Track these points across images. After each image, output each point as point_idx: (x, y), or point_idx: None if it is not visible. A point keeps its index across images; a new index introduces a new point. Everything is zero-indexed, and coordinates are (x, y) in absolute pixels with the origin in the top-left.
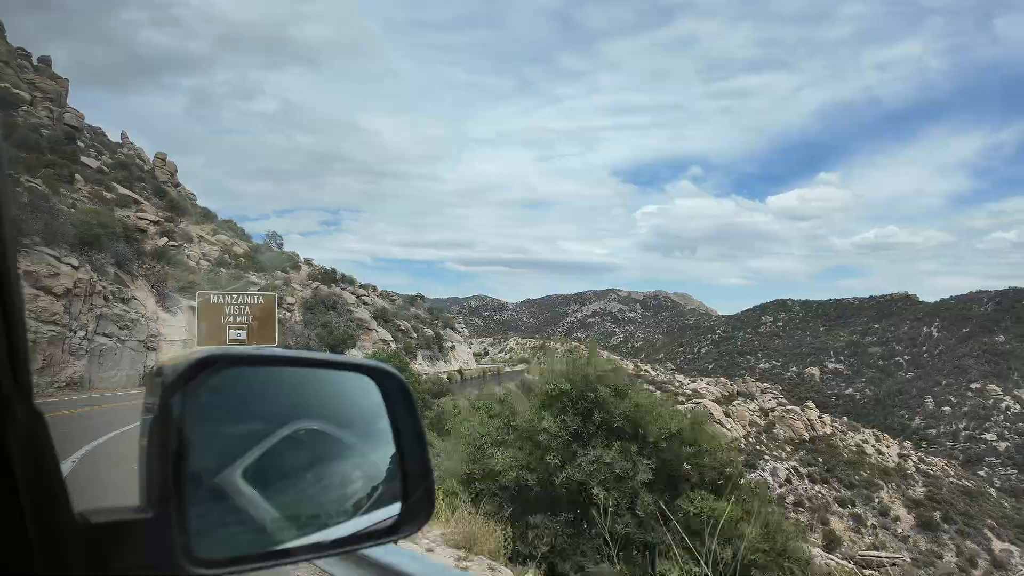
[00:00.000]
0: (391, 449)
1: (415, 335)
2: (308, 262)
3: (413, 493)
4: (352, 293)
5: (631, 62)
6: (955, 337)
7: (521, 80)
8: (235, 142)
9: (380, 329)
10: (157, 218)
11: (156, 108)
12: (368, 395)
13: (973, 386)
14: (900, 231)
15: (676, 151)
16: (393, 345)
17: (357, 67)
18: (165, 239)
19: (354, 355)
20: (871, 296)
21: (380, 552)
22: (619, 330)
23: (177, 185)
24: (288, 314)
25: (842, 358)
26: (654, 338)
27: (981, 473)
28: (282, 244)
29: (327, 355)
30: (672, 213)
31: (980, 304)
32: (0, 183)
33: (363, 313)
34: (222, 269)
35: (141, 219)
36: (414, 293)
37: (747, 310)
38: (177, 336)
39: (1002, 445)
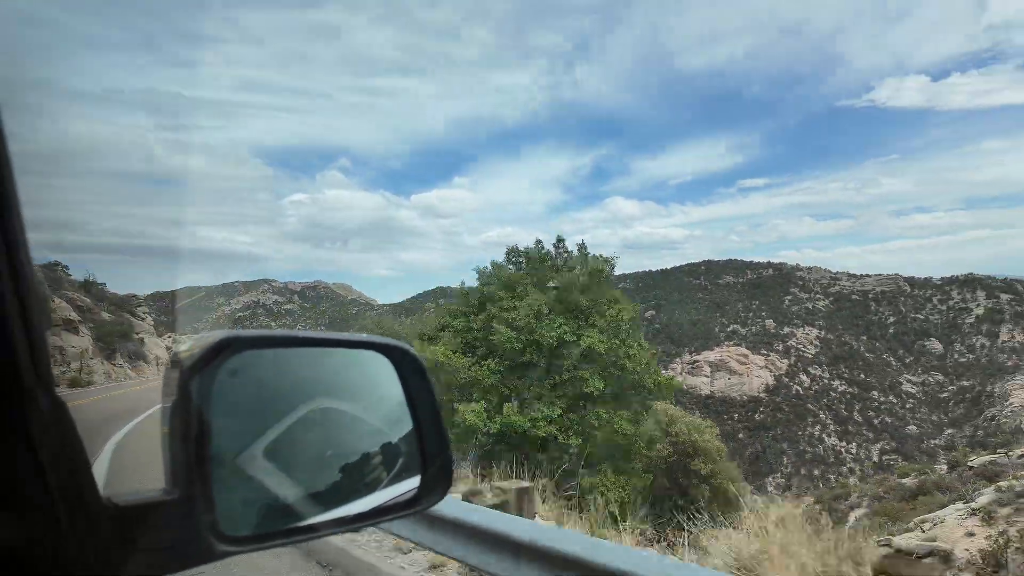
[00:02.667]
0: (408, 424)
1: (104, 319)
2: None
3: (431, 466)
4: None
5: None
6: None
7: (138, 32)
8: None
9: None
10: None
11: None
12: (383, 372)
13: None
14: (516, 232)
15: (325, 140)
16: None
17: None
18: None
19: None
20: None
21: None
22: (276, 324)
23: None
24: None
25: None
26: (317, 329)
27: None
28: None
29: (341, 334)
30: (323, 203)
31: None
32: (9, 183)
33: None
34: None
35: None
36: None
37: (411, 298)
38: None
39: None
